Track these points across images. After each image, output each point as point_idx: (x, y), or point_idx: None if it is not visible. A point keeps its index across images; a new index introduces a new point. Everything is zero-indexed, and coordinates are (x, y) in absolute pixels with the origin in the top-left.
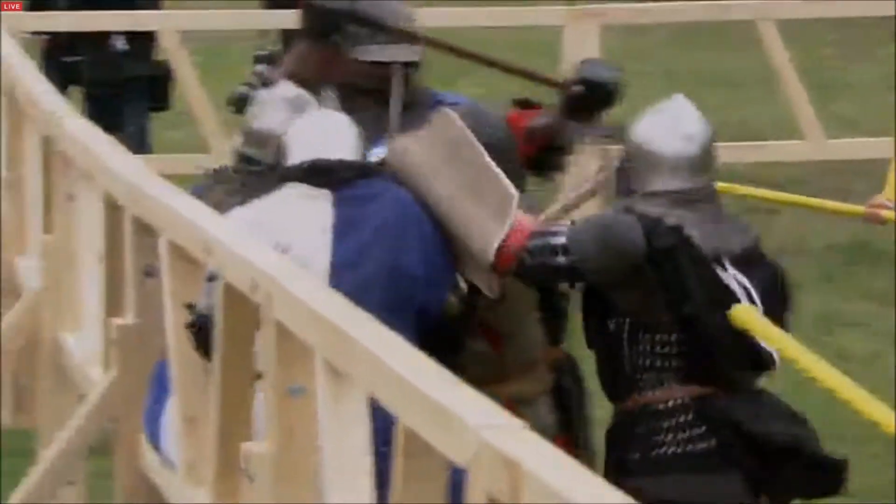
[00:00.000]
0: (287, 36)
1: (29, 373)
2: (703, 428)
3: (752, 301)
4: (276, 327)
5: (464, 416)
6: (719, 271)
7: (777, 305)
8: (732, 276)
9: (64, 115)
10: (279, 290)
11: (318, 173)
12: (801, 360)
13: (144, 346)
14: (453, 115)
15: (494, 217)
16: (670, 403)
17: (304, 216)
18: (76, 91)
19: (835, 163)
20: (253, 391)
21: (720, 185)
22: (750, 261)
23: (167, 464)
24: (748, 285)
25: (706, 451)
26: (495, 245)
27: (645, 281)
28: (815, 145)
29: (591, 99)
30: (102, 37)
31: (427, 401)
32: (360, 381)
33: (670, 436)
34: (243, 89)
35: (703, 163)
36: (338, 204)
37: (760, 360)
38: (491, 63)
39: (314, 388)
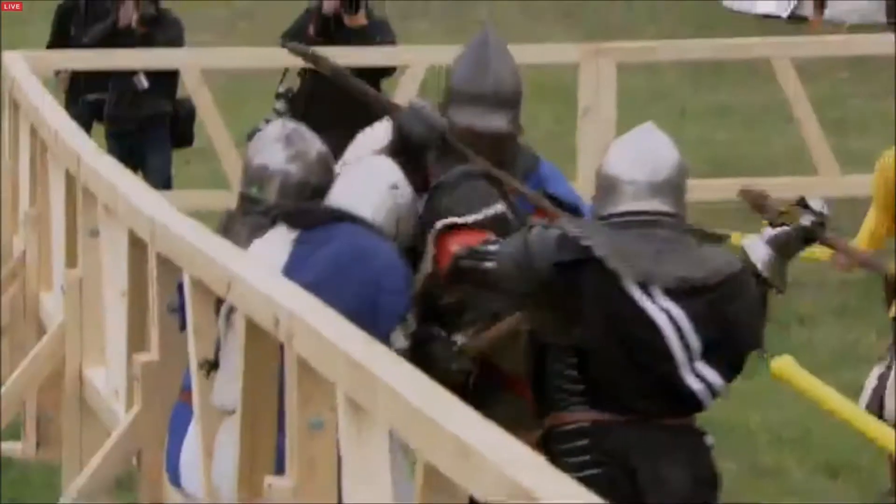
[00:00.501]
0: (305, 73)
1: (53, 407)
2: (591, 456)
3: (679, 333)
4: (298, 362)
5: (485, 452)
6: (641, 298)
7: (725, 341)
8: (657, 306)
9: (87, 152)
10: (300, 325)
11: (295, 215)
12: (844, 414)
13: (168, 382)
14: None
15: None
16: (570, 427)
17: (268, 255)
18: (99, 128)
19: (850, 199)
20: (275, 425)
21: None
22: (693, 293)
23: (190, 497)
24: (676, 315)
25: (593, 480)
26: (438, 226)
27: (550, 298)
28: (829, 181)
29: (407, 146)
30: (125, 75)
31: (448, 436)
32: (381, 416)
33: (567, 459)
34: (263, 126)
35: (663, 189)
36: (296, 244)
37: (682, 399)
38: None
39: (335, 423)
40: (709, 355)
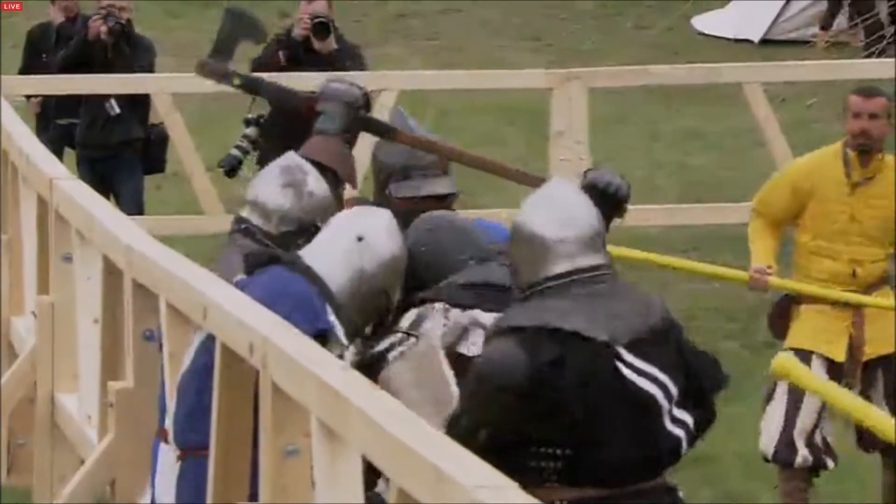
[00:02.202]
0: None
1: (25, 432)
2: None
3: (661, 388)
4: (272, 388)
5: (456, 477)
6: (618, 365)
7: (692, 378)
8: (630, 365)
9: (59, 177)
10: (275, 351)
11: (252, 260)
12: (851, 410)
13: (142, 410)
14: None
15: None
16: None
17: None
18: (71, 154)
19: None
20: (249, 450)
21: (612, 249)
22: (653, 342)
23: None
24: (650, 370)
25: None
26: None
27: (529, 405)
28: None
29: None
30: (97, 100)
31: (420, 461)
32: (355, 442)
33: None
34: (235, 153)
35: (594, 241)
36: (237, 287)
37: (661, 452)
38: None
39: (309, 449)
40: (680, 399)
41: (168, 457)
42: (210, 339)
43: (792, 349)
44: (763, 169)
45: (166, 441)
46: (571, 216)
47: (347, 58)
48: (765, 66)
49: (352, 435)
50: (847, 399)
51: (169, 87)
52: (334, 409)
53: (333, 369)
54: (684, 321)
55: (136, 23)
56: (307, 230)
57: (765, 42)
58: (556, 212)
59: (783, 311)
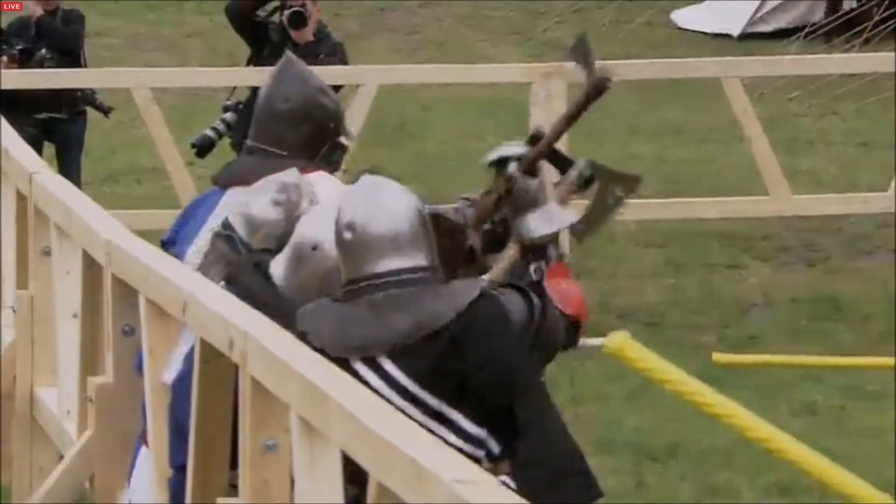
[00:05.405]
0: (256, 91)
1: (4, 428)
2: None
3: (409, 398)
4: (252, 384)
5: (436, 471)
6: (361, 368)
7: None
8: (374, 373)
9: (39, 170)
10: (255, 347)
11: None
12: (686, 390)
13: (122, 405)
14: None
15: None
16: None
17: None
18: (49, 147)
19: (800, 218)
20: (228, 446)
21: (719, 357)
22: (415, 349)
23: None
24: (396, 375)
25: None
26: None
27: None
28: (780, 200)
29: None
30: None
31: (400, 456)
32: (334, 437)
33: None
34: (209, 133)
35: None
36: None
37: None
38: None
39: (288, 444)
40: (455, 402)
41: (148, 461)
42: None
43: None
44: (742, 164)
45: (147, 443)
46: (396, 211)
47: (323, 50)
48: (744, 61)
49: (331, 430)
50: (691, 385)
51: (148, 82)
52: (314, 405)
53: (313, 365)
54: (661, 317)
55: (116, 17)
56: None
57: (744, 36)
58: (374, 208)
59: None
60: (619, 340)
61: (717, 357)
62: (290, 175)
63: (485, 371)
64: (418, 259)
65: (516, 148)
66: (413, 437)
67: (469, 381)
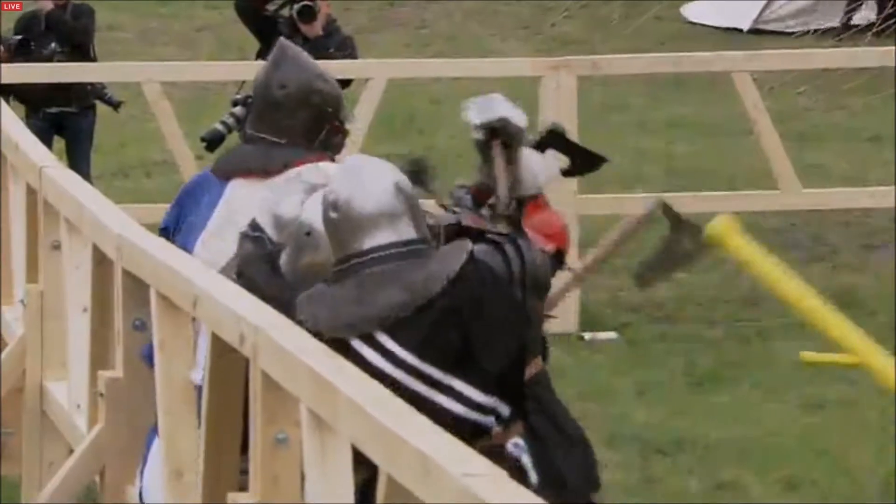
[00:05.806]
0: None
1: (14, 422)
2: None
3: (410, 371)
4: (263, 378)
5: (445, 465)
6: (360, 347)
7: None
8: (374, 350)
9: (49, 164)
10: (265, 341)
11: None
12: (783, 289)
13: (132, 399)
14: None
15: None
16: None
17: None
18: (60, 142)
19: (810, 212)
20: (238, 441)
21: (806, 355)
22: (407, 321)
23: None
24: (395, 350)
25: None
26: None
27: None
28: (789, 195)
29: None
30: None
31: (410, 450)
32: (344, 431)
33: None
34: (219, 127)
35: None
36: None
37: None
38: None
39: (299, 438)
40: (459, 371)
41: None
42: None
43: None
44: (751, 158)
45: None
46: (385, 187)
47: (333, 45)
48: (755, 55)
49: (341, 424)
50: (790, 285)
51: (157, 76)
52: (324, 399)
53: (323, 359)
54: (670, 310)
55: (127, 11)
56: None
57: (754, 31)
58: (358, 185)
59: None
60: (724, 224)
61: (805, 355)
62: (318, 174)
63: (487, 332)
64: (405, 233)
65: (500, 107)
66: (423, 430)
67: (471, 346)
